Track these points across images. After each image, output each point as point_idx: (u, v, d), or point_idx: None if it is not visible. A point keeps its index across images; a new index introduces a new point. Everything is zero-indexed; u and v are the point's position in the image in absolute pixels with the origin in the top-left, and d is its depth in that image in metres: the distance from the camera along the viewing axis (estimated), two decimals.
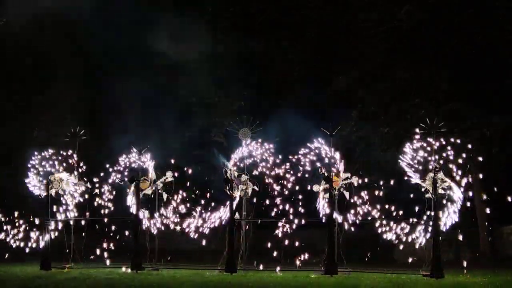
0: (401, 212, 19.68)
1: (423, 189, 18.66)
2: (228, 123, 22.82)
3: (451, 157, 18.86)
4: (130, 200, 20.45)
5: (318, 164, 19.57)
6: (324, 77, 27.61)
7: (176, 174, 20.82)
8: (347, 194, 19.45)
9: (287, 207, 20.38)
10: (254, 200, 20.67)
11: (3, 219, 22.21)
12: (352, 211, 19.50)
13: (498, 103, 24.34)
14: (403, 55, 25.63)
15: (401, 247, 19.58)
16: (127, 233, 21.48)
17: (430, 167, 18.54)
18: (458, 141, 19.32)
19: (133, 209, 20.18)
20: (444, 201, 18.62)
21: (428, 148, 18.78)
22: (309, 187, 19.82)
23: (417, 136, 18.98)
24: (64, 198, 20.72)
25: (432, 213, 18.19)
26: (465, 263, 19.69)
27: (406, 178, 18.91)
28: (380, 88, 25.99)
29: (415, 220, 19.00)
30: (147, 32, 28.75)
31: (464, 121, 24.33)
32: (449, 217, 18.66)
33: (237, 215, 19.70)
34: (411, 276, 18.33)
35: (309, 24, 28.25)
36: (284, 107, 27.94)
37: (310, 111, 26.67)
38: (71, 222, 20.71)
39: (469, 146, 20.40)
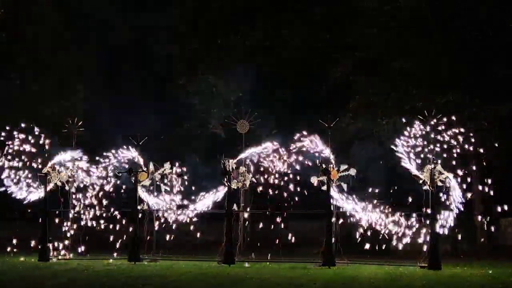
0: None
1: (420, 181, 18.66)
2: (227, 115, 22.79)
3: (448, 147, 18.88)
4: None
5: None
6: (323, 67, 27.58)
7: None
8: (345, 186, 19.47)
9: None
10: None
11: None
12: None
13: (497, 93, 24.36)
14: (403, 44, 25.61)
15: (397, 241, 19.51)
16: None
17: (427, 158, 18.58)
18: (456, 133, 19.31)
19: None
20: (443, 196, 18.62)
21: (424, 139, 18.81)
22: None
23: (415, 127, 18.97)
24: (65, 190, 20.74)
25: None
26: None
27: (403, 165, 18.85)
28: (379, 77, 25.96)
29: (414, 214, 19.06)
30: (146, 22, 28.84)
31: (463, 112, 24.32)
32: (450, 214, 18.66)
33: (235, 207, 19.74)
34: (409, 267, 18.38)
35: (309, 12, 28.22)
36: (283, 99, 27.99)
37: (308, 102, 26.66)
38: (70, 214, 20.76)
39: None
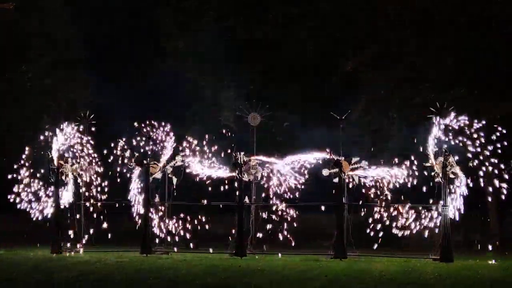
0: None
1: (432, 173, 18.59)
2: (237, 108, 22.73)
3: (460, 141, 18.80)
4: (134, 186, 20.51)
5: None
6: (333, 60, 27.49)
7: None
8: (356, 178, 19.43)
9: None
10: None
11: None
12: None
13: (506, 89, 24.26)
14: (412, 39, 25.50)
15: (412, 231, 19.44)
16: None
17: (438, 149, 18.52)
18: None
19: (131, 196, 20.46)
20: (452, 188, 18.55)
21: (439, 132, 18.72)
22: None
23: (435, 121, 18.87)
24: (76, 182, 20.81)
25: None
26: None
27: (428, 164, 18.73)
28: (389, 72, 25.86)
29: (425, 205, 18.99)
30: (154, 17, 28.84)
31: (472, 106, 24.20)
32: (456, 206, 18.61)
33: (246, 199, 19.74)
34: (421, 260, 18.34)
35: (319, 5, 28.12)
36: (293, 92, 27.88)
37: (318, 95, 26.61)
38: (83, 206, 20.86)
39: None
